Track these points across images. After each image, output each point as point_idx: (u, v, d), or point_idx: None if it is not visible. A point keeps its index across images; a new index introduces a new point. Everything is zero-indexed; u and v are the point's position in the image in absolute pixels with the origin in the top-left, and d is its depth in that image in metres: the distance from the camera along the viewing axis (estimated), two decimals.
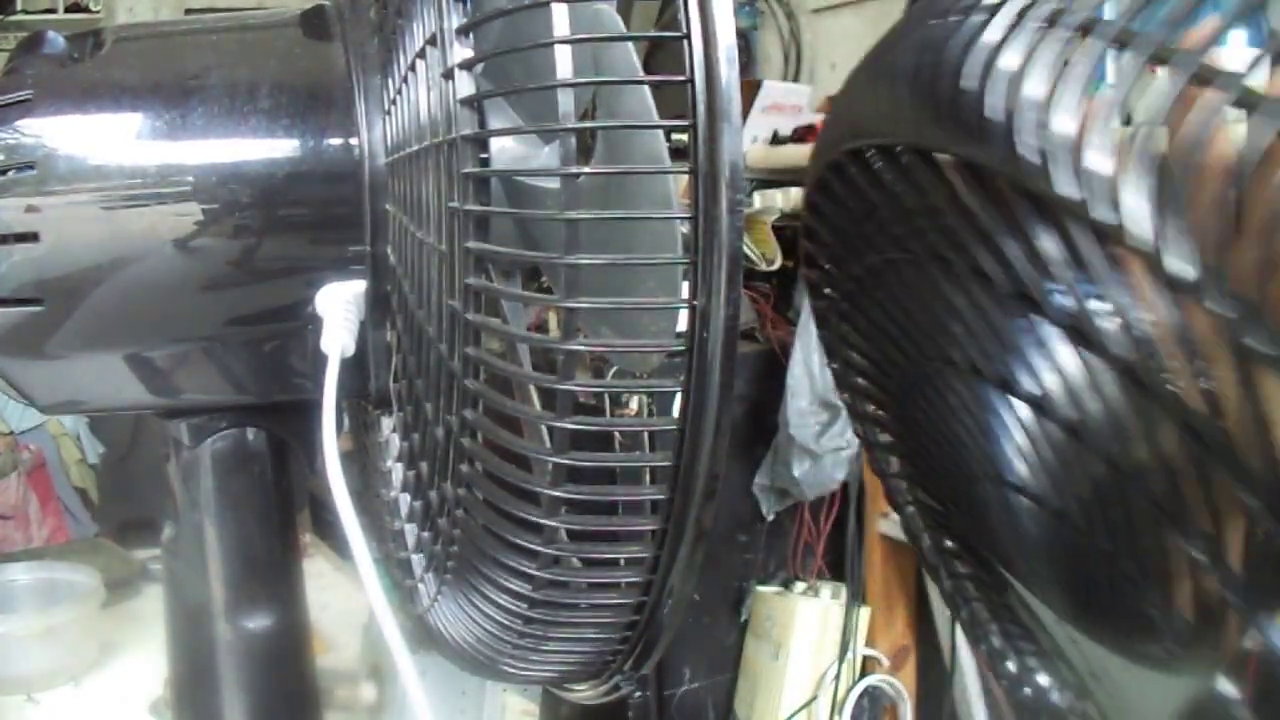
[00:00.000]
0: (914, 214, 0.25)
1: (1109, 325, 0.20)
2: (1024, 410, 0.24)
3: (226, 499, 0.48)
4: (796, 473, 1.53)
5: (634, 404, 1.33)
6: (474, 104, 0.33)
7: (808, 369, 1.61)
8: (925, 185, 0.24)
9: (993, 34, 0.22)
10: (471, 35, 0.33)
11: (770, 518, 1.61)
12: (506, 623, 0.39)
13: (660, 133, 0.33)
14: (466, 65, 0.33)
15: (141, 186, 0.39)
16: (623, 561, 0.36)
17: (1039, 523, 0.26)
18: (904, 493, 0.35)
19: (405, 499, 0.48)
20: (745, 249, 1.71)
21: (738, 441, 1.58)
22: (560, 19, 0.30)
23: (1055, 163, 0.19)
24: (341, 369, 0.40)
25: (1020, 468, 0.26)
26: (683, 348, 0.31)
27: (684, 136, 0.30)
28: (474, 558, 0.39)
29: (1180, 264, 0.18)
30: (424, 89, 0.36)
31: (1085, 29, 0.21)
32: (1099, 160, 0.19)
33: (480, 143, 0.35)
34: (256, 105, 0.40)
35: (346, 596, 1.45)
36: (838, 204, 0.29)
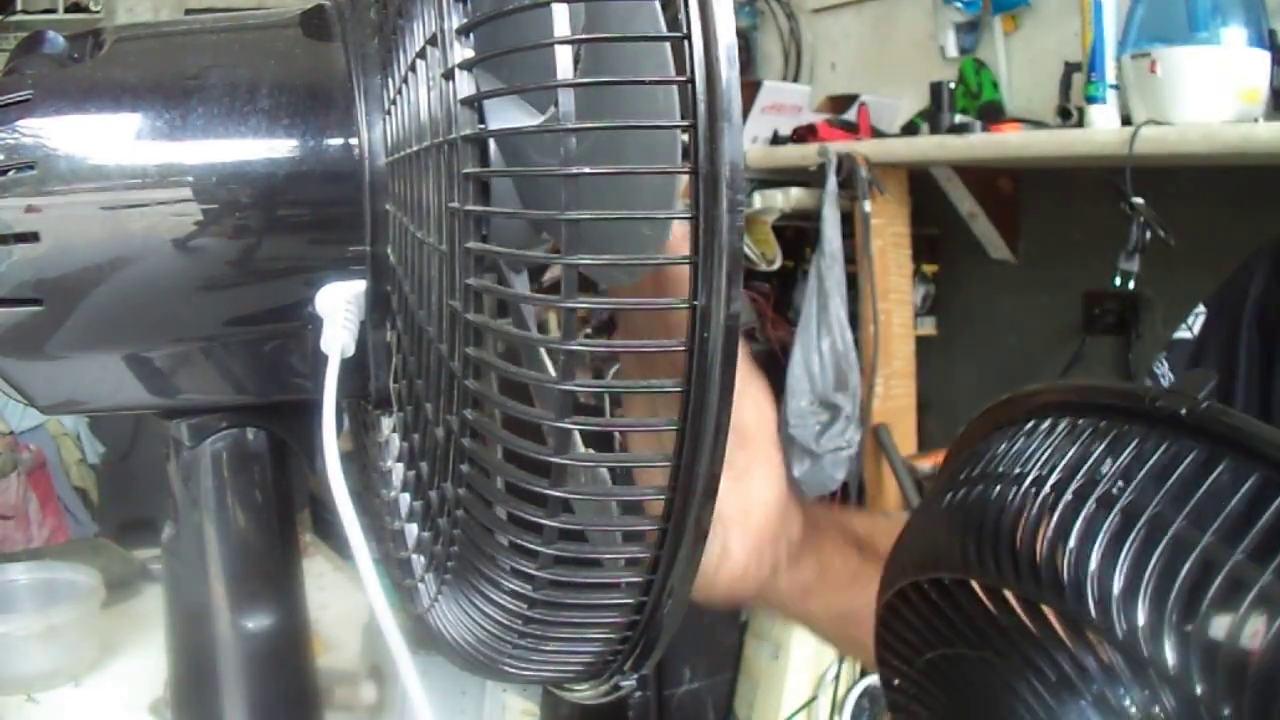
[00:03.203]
0: (968, 625, 0.34)
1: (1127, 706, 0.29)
2: None
3: (226, 499, 0.48)
4: (796, 473, 1.53)
5: None
6: (474, 104, 0.33)
7: (807, 369, 1.61)
8: (973, 607, 0.33)
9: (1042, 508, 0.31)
10: (472, 35, 0.33)
11: None
12: (507, 623, 0.39)
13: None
14: (466, 65, 0.33)
15: (141, 186, 0.39)
16: (623, 561, 0.36)
17: None
18: None
19: (405, 499, 0.48)
20: (745, 249, 1.71)
21: None
22: (560, 19, 0.30)
23: (1109, 612, 0.28)
24: (341, 369, 0.40)
25: None
26: (683, 348, 0.31)
27: (684, 136, 0.30)
28: (474, 558, 0.39)
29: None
30: (424, 89, 0.36)
31: (1104, 502, 0.29)
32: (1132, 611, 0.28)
33: (480, 143, 0.35)
34: (256, 105, 0.40)
35: (346, 596, 1.45)
36: (906, 619, 0.37)
